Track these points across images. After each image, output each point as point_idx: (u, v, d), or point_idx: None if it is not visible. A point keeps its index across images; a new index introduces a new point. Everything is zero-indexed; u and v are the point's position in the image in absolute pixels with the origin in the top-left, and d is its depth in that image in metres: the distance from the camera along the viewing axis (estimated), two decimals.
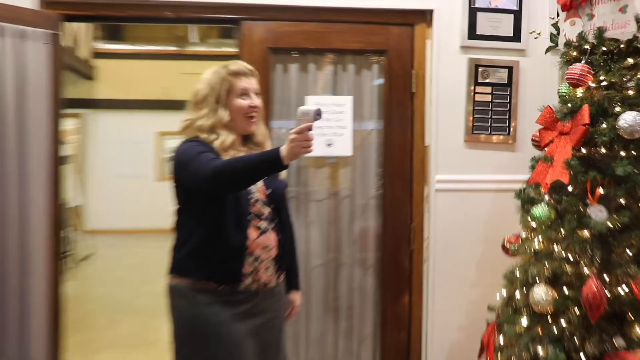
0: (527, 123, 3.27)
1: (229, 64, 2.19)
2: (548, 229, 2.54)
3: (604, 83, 2.44)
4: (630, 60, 2.43)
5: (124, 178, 10.72)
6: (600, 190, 2.37)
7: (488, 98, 3.26)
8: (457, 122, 3.28)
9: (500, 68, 3.25)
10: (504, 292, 2.77)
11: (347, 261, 3.42)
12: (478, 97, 3.27)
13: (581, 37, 2.54)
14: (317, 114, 1.89)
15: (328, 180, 3.41)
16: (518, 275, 2.67)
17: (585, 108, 2.43)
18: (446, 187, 3.30)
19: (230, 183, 1.95)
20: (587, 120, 2.40)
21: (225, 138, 2.11)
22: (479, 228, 3.31)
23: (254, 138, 2.25)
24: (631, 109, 2.34)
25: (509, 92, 3.28)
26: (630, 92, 2.39)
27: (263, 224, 2.13)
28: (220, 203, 2.04)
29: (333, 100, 3.28)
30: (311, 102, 3.12)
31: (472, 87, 3.25)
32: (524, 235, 2.74)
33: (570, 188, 2.47)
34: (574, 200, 2.45)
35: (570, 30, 2.59)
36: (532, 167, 2.68)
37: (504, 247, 2.89)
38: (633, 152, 2.35)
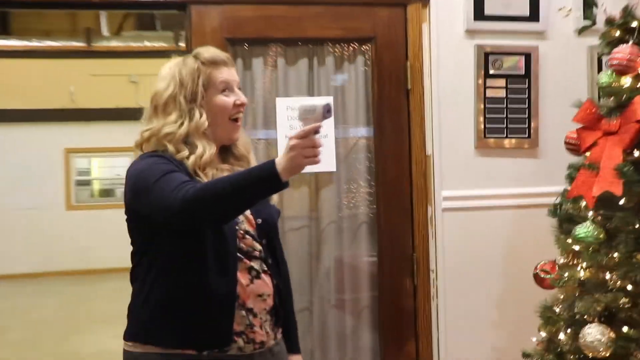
0: (550, 122, 3.26)
1: (199, 51, 2.05)
2: (596, 253, 2.49)
3: None
4: None
5: (23, 210, 10.35)
6: None
7: (502, 93, 3.23)
8: (464, 124, 3.25)
9: (515, 55, 3.22)
10: (542, 334, 2.72)
11: (335, 303, 3.35)
12: (489, 93, 3.23)
13: (628, 12, 2.52)
14: (327, 111, 1.73)
15: (307, 203, 3.31)
16: (560, 313, 2.63)
17: (638, 100, 2.40)
18: (455, 206, 3.26)
19: (211, 214, 1.79)
20: None
21: (203, 151, 1.95)
22: (498, 254, 3.28)
23: (234, 150, 2.12)
24: None
25: (527, 85, 3.26)
26: None
27: (255, 265, 1.99)
28: (197, 239, 1.89)
29: (309, 103, 3.18)
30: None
31: (482, 81, 3.22)
32: (562, 261, 2.70)
33: (622, 201, 2.43)
34: (629, 215, 2.41)
35: (612, 3, 2.55)
36: (570, 177, 2.66)
37: (537, 277, 2.84)
38: None
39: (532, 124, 3.28)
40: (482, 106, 3.24)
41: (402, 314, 3.31)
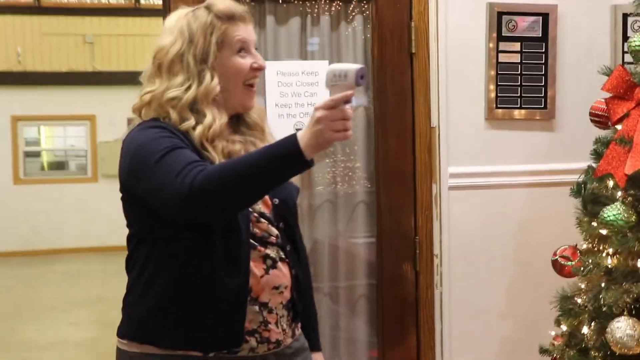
0: (569, 91, 3.25)
1: (213, 2, 1.92)
2: (626, 238, 2.46)
3: None
4: None
5: None
6: None
7: (516, 58, 3.20)
8: (474, 93, 3.21)
9: (531, 16, 3.19)
10: (563, 327, 2.71)
11: (328, 291, 3.33)
12: (502, 58, 3.19)
13: None
14: (360, 76, 1.62)
15: (297, 178, 3.24)
16: (583, 304, 2.61)
17: None
18: (462, 184, 3.24)
19: (223, 205, 1.70)
20: None
21: (212, 121, 1.84)
22: (510, 238, 3.26)
23: (246, 118, 2.01)
24: None
25: (543, 50, 3.23)
26: None
27: (271, 253, 1.90)
28: (204, 224, 1.80)
29: (302, 67, 3.16)
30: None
31: (494, 44, 3.17)
32: (584, 246, 2.69)
33: None
34: None
35: None
36: (596, 153, 2.64)
37: (556, 264, 2.82)
38: None
39: (549, 93, 3.24)
40: (494, 73, 3.19)
41: (402, 303, 3.28)
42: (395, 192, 3.26)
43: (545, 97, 3.25)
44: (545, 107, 3.25)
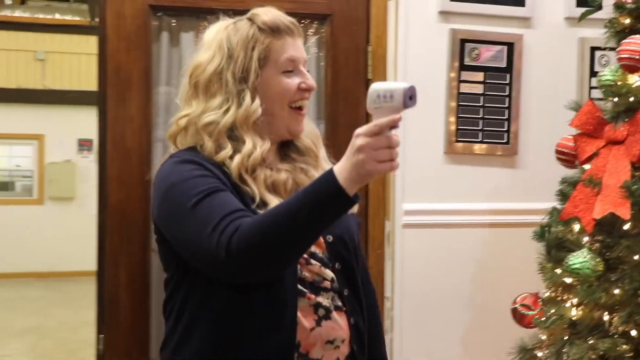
0: (533, 126, 3.17)
1: (257, 13, 1.75)
2: (593, 289, 2.35)
3: None
4: None
5: None
6: None
7: (479, 89, 3.10)
8: (433, 125, 3.11)
9: (496, 45, 3.11)
10: None
11: None
12: (464, 88, 3.09)
13: None
14: (409, 97, 1.44)
15: None
16: (544, 358, 2.51)
17: None
18: (418, 221, 3.11)
19: (266, 265, 1.54)
20: None
21: (252, 148, 1.67)
22: (468, 282, 3.15)
23: (297, 142, 1.82)
24: None
25: (507, 81, 3.13)
26: None
27: (324, 301, 1.70)
28: None
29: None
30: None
31: (456, 74, 3.09)
32: (547, 295, 2.58)
33: (627, 226, 2.30)
34: (634, 244, 2.28)
35: None
36: (562, 194, 2.54)
37: (515, 313, 2.69)
38: None
39: (512, 128, 3.14)
40: (455, 104, 3.09)
41: None
42: None
43: (508, 131, 3.14)
44: (507, 142, 3.14)
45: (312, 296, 1.67)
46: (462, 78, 3.08)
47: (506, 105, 3.13)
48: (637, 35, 2.29)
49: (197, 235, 1.53)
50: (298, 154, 1.79)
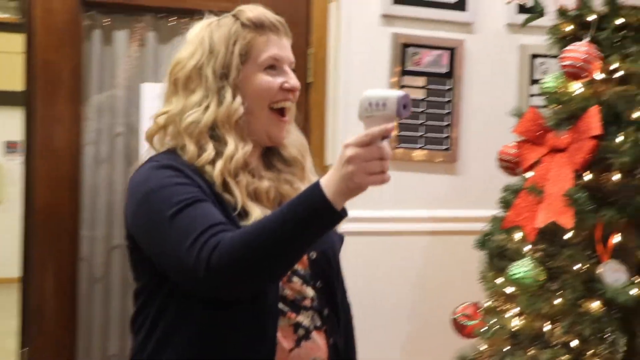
0: (474, 133, 3.19)
1: (242, 9, 1.69)
2: (534, 299, 2.34)
3: (619, 74, 2.31)
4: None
5: None
6: (616, 239, 2.24)
7: (420, 94, 3.10)
8: None
9: (437, 50, 3.12)
10: None
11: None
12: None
13: (584, 3, 2.40)
14: (403, 105, 1.37)
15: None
16: None
17: (594, 112, 2.27)
18: (355, 230, 2.94)
19: (249, 282, 1.48)
20: (598, 129, 2.24)
21: (235, 150, 1.60)
22: (406, 291, 3.13)
23: (282, 151, 1.75)
24: None
25: (449, 87, 3.14)
26: None
27: (304, 320, 1.63)
28: None
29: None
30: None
31: (397, 78, 3.08)
32: (488, 304, 2.57)
33: (569, 235, 2.29)
34: (577, 253, 2.28)
35: None
36: (505, 202, 2.53)
37: (455, 323, 2.69)
38: None
39: (453, 134, 3.15)
40: None
41: None
42: None
43: (449, 137, 3.15)
44: (448, 149, 3.15)
45: (293, 315, 1.62)
46: (404, 83, 3.07)
47: (447, 111, 3.13)
48: (580, 43, 2.29)
49: (176, 247, 1.45)
50: (284, 164, 1.73)
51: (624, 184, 2.23)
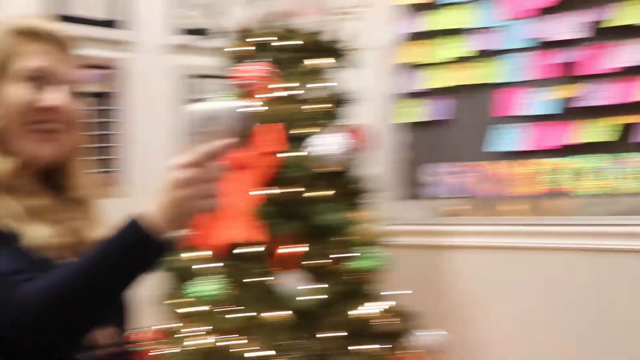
0: (138, 152, 3.14)
1: (13, 17, 1.48)
2: (220, 314, 2.39)
3: (287, 92, 2.47)
4: (313, 62, 2.50)
5: None
6: (297, 249, 2.38)
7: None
8: None
9: (97, 69, 3.06)
10: None
11: None
12: None
13: (264, 25, 2.54)
14: (241, 118, 1.19)
15: None
16: None
17: (261, 130, 2.38)
18: None
19: (70, 327, 1.26)
20: (278, 145, 2.38)
21: None
22: None
23: (68, 192, 1.47)
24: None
25: (109, 107, 3.10)
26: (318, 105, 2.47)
27: None
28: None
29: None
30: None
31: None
32: (168, 326, 2.53)
33: (250, 249, 2.38)
34: (256, 266, 2.38)
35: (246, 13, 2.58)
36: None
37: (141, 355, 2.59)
38: (333, 189, 2.41)
39: (116, 154, 3.10)
40: None
41: None
42: None
43: (113, 158, 3.11)
44: (111, 170, 3.10)
45: None
46: None
47: (109, 131, 3.08)
48: (253, 62, 2.40)
49: None
50: (76, 206, 1.50)
51: (302, 197, 2.36)
